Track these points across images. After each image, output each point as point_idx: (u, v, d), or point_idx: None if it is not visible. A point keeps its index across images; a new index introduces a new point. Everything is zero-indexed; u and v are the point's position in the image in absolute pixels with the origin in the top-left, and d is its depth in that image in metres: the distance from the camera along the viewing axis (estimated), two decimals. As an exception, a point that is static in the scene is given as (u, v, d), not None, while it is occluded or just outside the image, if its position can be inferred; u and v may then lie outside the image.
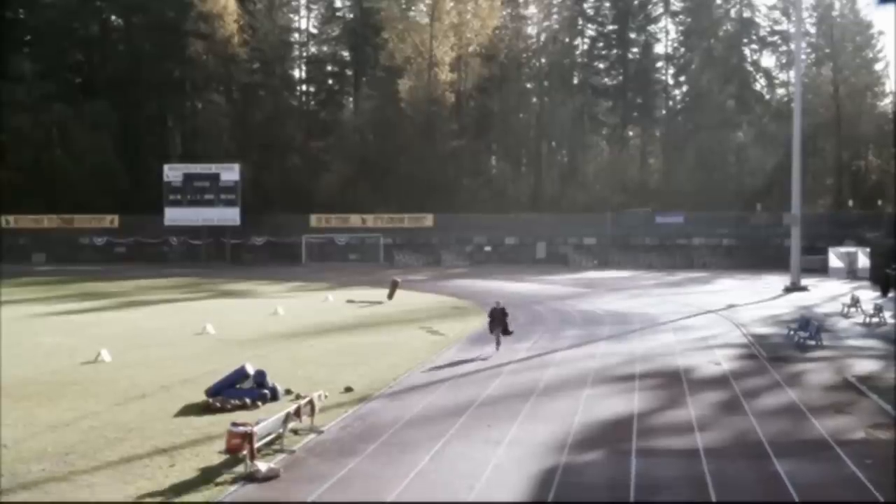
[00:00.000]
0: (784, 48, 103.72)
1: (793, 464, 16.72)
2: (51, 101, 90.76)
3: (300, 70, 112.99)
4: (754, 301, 47.88)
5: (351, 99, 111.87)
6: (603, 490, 15.56)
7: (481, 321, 39.27)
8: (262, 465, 16.40)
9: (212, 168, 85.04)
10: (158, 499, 14.89)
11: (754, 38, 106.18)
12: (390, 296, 48.17)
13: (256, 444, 16.83)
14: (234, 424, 17.10)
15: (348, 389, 23.83)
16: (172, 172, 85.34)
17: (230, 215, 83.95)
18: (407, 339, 34.24)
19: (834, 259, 68.07)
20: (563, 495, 15.06)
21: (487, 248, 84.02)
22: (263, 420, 17.93)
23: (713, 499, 14.80)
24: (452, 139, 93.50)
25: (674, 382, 25.05)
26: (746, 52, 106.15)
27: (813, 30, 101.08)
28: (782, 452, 17.52)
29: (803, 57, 72.19)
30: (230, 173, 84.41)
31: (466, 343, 33.00)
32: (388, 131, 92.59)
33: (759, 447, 18.13)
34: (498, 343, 30.29)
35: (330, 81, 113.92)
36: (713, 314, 41.77)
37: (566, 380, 25.59)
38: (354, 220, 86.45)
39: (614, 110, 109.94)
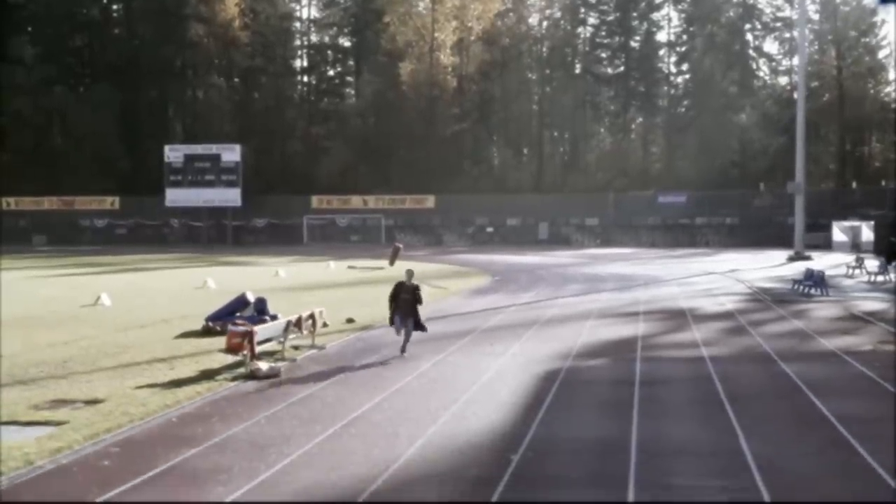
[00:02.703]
0: (787, 34, 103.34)
1: (800, 366, 16.53)
2: (51, 84, 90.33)
3: (302, 60, 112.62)
4: (758, 267, 47.61)
5: (352, 90, 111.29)
6: (606, 384, 15.35)
7: (483, 280, 39.39)
8: (263, 365, 16.21)
9: (213, 148, 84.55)
10: (157, 391, 14.66)
11: (757, 24, 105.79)
12: (392, 262, 47.90)
13: (257, 350, 16.64)
14: (235, 325, 16.93)
15: (350, 321, 23.68)
16: (173, 153, 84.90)
17: (231, 196, 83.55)
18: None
19: (838, 233, 67.79)
20: (565, 389, 14.82)
21: (489, 229, 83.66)
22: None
23: (719, 389, 14.55)
24: (454, 123, 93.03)
25: (678, 316, 24.90)
26: (749, 37, 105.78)
27: (816, 16, 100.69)
28: (790, 359, 17.34)
29: (805, 45, 71.52)
30: (231, 154, 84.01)
31: (468, 295, 32.83)
32: (389, 114, 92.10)
33: (765, 356, 17.97)
34: (405, 340, 18.35)
35: (331, 72, 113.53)
36: (717, 275, 41.60)
37: (570, 315, 25.44)
38: (356, 201, 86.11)
39: (616, 98, 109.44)
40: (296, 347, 19.06)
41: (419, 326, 18.46)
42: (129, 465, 10.30)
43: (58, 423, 12.34)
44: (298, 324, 18.64)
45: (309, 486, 9.58)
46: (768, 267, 47.51)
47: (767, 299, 29.33)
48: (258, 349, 16.78)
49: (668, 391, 14.61)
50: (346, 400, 13.97)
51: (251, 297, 22.72)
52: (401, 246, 50.47)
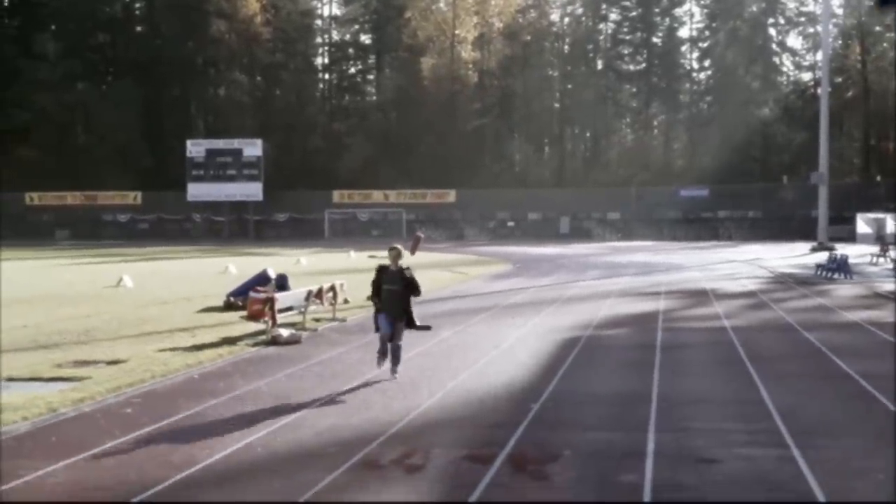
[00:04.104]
0: (811, 29, 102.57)
1: (823, 334, 16.46)
2: (74, 80, 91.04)
3: (323, 57, 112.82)
4: (780, 256, 47.30)
5: (372, 88, 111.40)
6: (627, 348, 15.30)
7: (504, 267, 39.31)
8: (284, 332, 16.26)
9: (234, 143, 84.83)
10: (178, 353, 14.72)
11: (780, 18, 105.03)
12: (413, 251, 47.79)
13: (279, 320, 16.69)
14: (256, 291, 16.97)
15: (370, 298, 23.56)
16: (195, 147, 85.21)
17: (253, 190, 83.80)
18: (431, 276, 33.92)
19: (862, 225, 67.14)
20: (586, 352, 14.78)
21: (510, 224, 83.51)
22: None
23: (741, 352, 14.47)
24: (475, 118, 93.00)
25: (700, 295, 24.80)
26: (772, 32, 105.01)
27: (840, 11, 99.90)
28: (812, 328, 17.24)
29: (829, 40, 70.93)
30: (253, 148, 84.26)
31: (489, 279, 32.83)
32: (410, 110, 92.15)
33: (788, 326, 17.89)
34: (393, 353, 12.79)
35: (352, 70, 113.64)
36: (739, 262, 41.38)
37: (590, 294, 25.39)
38: (377, 196, 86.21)
39: (638, 95, 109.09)
40: (317, 319, 19.12)
41: (413, 325, 12.97)
42: (151, 413, 10.36)
43: (80, 379, 12.43)
44: (319, 294, 18.70)
45: (329, 428, 9.61)
46: (791, 256, 47.17)
47: (790, 281, 29.19)
48: (280, 319, 16.84)
49: (689, 354, 14.58)
50: (367, 361, 13.94)
51: (272, 274, 22.73)
52: (422, 235, 50.33)
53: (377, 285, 12.97)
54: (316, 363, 13.98)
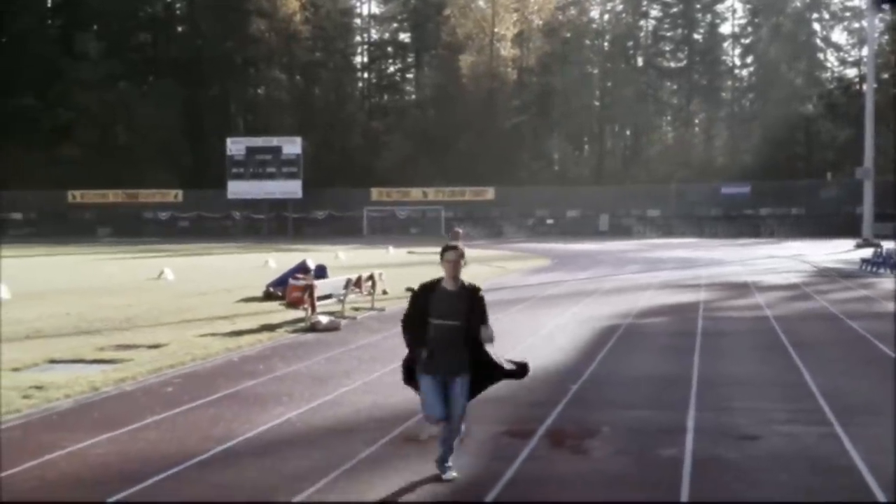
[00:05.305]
0: (856, 24, 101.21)
1: (867, 322, 16.24)
2: (116, 80, 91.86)
3: (362, 55, 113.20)
4: (824, 252, 46.72)
5: (411, 87, 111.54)
6: (667, 335, 15.18)
7: (542, 262, 39.20)
8: (324, 318, 16.32)
9: (274, 141, 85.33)
10: (218, 338, 14.82)
11: (825, 13, 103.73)
12: (451, 246, 47.85)
13: (318, 308, 16.76)
14: (295, 278, 17.05)
15: (409, 290, 23.56)
16: (235, 145, 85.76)
17: (292, 188, 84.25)
18: (469, 270, 33.88)
19: (907, 222, 66.22)
20: (626, 338, 14.69)
21: (549, 221, 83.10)
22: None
23: (783, 338, 14.31)
24: (514, 115, 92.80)
25: (741, 287, 24.54)
26: (817, 27, 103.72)
27: (886, 5, 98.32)
28: (856, 317, 17.02)
29: (875, 35, 69.73)
30: (292, 146, 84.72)
31: (527, 273, 32.73)
32: (449, 107, 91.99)
33: (831, 315, 17.67)
34: (446, 447, 7.12)
35: (391, 69, 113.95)
36: (781, 258, 40.95)
37: (629, 287, 25.22)
38: (415, 193, 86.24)
39: (679, 92, 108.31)
40: (356, 308, 19.17)
41: (508, 372, 7.51)
42: (191, 391, 10.45)
43: (122, 361, 12.56)
44: (358, 283, 18.76)
45: (369, 406, 9.67)
46: (835, 253, 46.57)
47: (834, 275, 28.83)
48: (319, 308, 16.91)
49: (730, 340, 14.45)
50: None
51: (311, 264, 22.77)
52: (461, 231, 50.40)
53: (418, 315, 7.13)
54: (355, 348, 14.03)
